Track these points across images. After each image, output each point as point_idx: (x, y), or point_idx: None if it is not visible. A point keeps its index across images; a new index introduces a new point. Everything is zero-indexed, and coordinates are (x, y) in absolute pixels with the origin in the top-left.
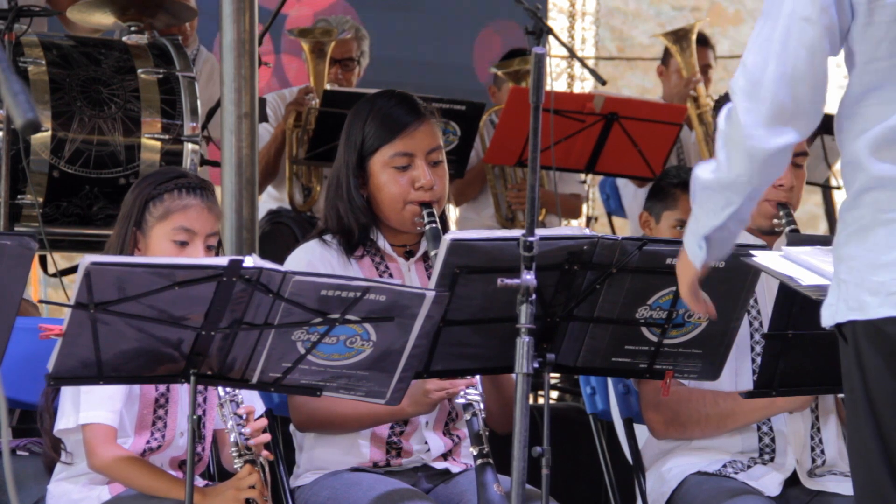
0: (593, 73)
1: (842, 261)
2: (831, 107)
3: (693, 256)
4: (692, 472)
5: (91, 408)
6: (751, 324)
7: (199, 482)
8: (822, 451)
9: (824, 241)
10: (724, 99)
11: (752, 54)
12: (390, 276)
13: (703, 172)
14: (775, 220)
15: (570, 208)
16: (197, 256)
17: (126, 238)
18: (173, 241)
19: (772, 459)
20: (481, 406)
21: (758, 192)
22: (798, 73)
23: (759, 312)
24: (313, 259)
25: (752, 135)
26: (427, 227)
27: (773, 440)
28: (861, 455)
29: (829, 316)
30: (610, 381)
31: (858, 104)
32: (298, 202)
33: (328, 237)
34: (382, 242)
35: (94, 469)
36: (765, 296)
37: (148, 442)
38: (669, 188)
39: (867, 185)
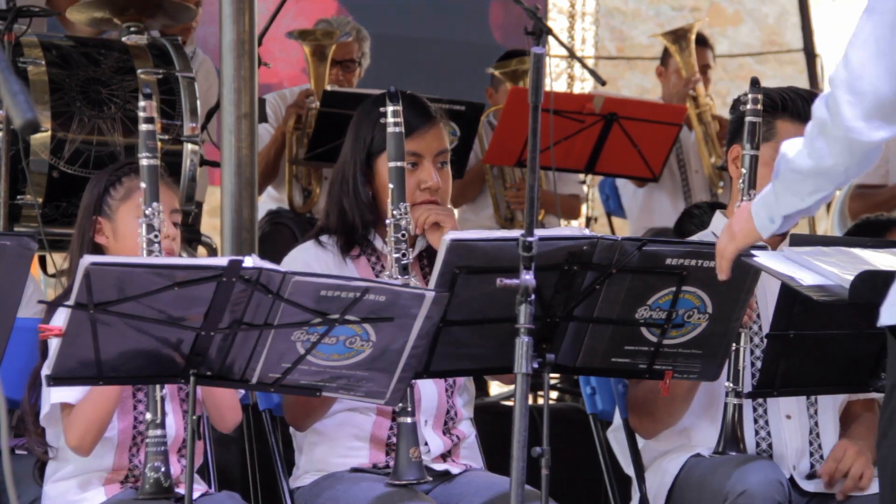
0: (593, 73)
1: None
2: None
3: (762, 227)
4: (690, 454)
5: (56, 389)
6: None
7: (200, 484)
8: (822, 457)
9: (825, 241)
10: (739, 100)
11: (855, 48)
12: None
13: (793, 154)
14: None
15: (570, 209)
16: (166, 232)
17: (86, 229)
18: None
19: None
20: None
21: (850, 180)
22: None
23: (758, 316)
24: (309, 259)
25: (852, 127)
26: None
27: (770, 445)
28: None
29: (890, 315)
30: (611, 380)
31: None
32: (298, 204)
33: (324, 238)
34: (379, 244)
35: (70, 448)
36: (765, 297)
37: (135, 426)
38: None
39: None
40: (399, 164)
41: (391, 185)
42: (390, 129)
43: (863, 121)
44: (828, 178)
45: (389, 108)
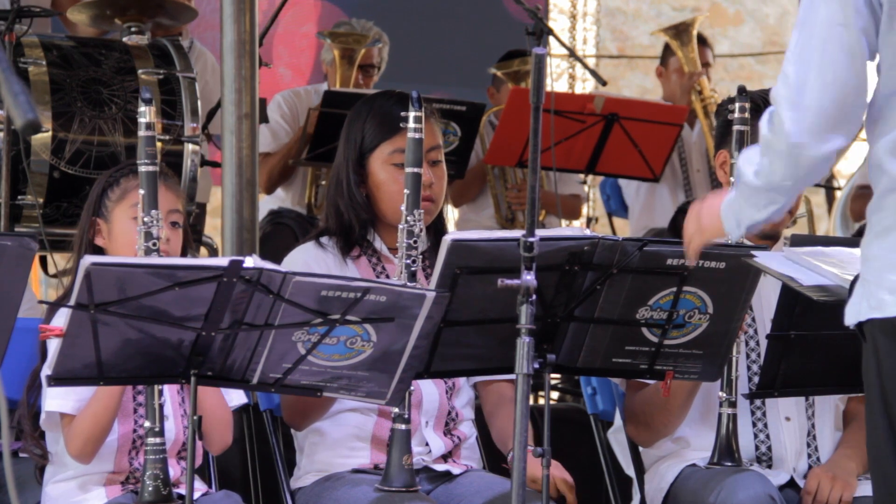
0: (594, 73)
1: (866, 261)
2: None
3: (730, 230)
4: (687, 464)
5: (52, 397)
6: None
7: (200, 484)
8: (818, 459)
9: (825, 241)
10: (725, 105)
11: (792, 64)
12: (387, 276)
13: (746, 169)
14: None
15: (570, 209)
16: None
17: (85, 228)
18: (133, 218)
19: (769, 467)
20: None
21: (802, 190)
22: (840, 78)
23: (753, 320)
24: (308, 259)
25: (798, 143)
26: None
27: (769, 448)
28: (876, 451)
29: (853, 315)
30: (612, 381)
31: (882, 107)
32: (314, 205)
33: (324, 239)
34: (379, 244)
35: (72, 457)
36: (759, 300)
37: (135, 430)
38: None
39: (889, 186)
40: (416, 169)
41: (407, 191)
42: (410, 135)
43: (809, 135)
44: (778, 192)
45: (411, 114)
